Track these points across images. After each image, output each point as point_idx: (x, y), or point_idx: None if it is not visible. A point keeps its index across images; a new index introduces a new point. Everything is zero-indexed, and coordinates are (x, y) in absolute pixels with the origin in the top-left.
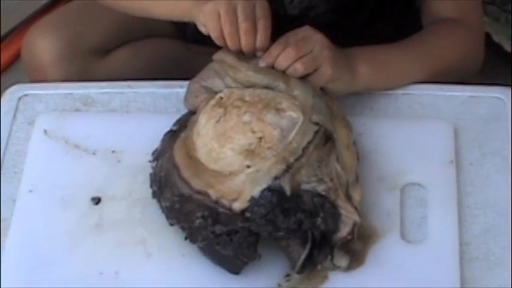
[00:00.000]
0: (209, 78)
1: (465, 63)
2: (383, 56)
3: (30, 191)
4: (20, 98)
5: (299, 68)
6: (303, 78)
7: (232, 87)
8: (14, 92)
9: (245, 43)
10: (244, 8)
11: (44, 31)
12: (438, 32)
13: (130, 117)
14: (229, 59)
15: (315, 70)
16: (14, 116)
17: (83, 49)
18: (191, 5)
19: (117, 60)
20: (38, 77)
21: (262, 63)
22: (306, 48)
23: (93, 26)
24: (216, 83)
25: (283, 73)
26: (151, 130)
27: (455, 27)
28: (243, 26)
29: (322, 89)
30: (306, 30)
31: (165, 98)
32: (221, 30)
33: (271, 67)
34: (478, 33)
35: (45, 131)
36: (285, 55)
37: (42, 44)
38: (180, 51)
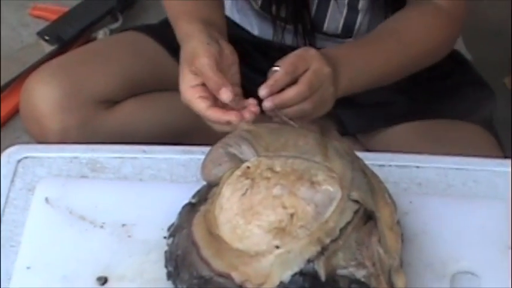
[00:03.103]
0: (236, 144)
1: (441, 49)
2: (364, 64)
3: (28, 268)
4: (19, 161)
5: (308, 108)
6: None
7: (261, 156)
8: (12, 153)
9: None
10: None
11: (42, 78)
12: (416, 23)
13: (144, 186)
14: (258, 129)
15: None
16: (12, 181)
17: (84, 99)
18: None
19: (123, 113)
20: (35, 128)
21: (263, 91)
22: (317, 85)
23: (97, 75)
24: (243, 150)
25: (320, 142)
26: (167, 202)
27: (434, 13)
28: None
29: None
30: (315, 61)
31: (184, 165)
32: None
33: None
34: (459, 16)
35: (46, 199)
36: (298, 96)
37: (41, 92)
38: None
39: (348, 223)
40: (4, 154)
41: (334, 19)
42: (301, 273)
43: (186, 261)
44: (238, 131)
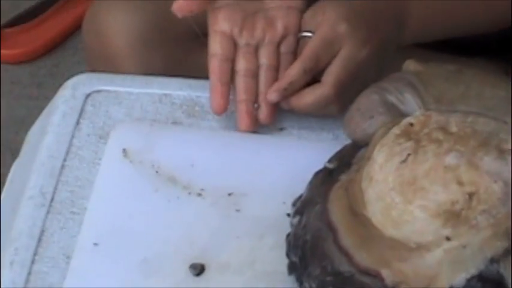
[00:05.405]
0: (397, 90)
1: None
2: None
3: (96, 245)
4: (88, 96)
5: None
6: None
7: (430, 109)
8: (78, 84)
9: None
10: None
11: (117, 5)
12: None
13: (261, 141)
14: (430, 71)
15: None
16: (77, 123)
17: (173, 32)
18: None
19: None
20: (107, 70)
21: (272, 96)
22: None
23: None
24: (406, 99)
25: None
26: (293, 165)
27: None
28: None
29: None
30: (346, 44)
31: (317, 117)
32: None
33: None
34: None
35: (124, 152)
36: (319, 102)
37: (115, 23)
38: None
39: None
40: (66, 85)
41: None
42: (480, 277)
43: (317, 250)
44: (401, 73)
